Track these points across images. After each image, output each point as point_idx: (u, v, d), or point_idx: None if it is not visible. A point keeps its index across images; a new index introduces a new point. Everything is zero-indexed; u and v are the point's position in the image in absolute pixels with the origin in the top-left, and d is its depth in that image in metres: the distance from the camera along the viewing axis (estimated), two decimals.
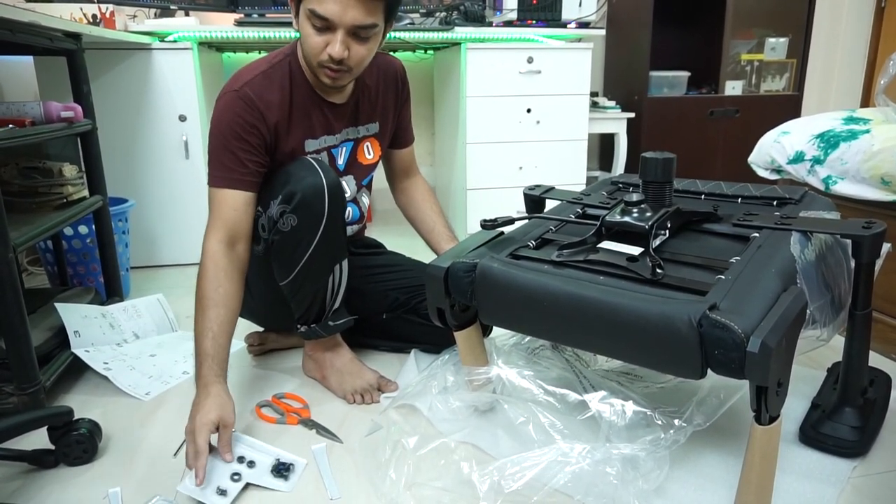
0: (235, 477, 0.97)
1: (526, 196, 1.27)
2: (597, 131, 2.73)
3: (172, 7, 2.14)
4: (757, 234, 0.98)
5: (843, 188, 1.43)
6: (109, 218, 1.65)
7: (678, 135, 2.83)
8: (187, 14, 2.23)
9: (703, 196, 1.21)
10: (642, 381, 1.17)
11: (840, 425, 1.03)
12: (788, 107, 2.91)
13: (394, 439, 1.03)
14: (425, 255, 1.34)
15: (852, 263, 0.99)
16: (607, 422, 0.94)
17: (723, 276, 0.86)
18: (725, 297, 0.81)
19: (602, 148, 3.14)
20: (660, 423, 0.92)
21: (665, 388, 1.15)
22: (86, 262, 1.77)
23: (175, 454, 1.08)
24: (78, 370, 1.35)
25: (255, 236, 1.17)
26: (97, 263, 1.71)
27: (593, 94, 2.77)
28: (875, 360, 1.30)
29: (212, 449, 0.97)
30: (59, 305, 1.37)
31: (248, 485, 0.97)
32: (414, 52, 2.75)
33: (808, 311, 0.86)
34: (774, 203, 1.14)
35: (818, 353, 1.15)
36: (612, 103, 2.79)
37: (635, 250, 0.95)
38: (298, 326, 1.25)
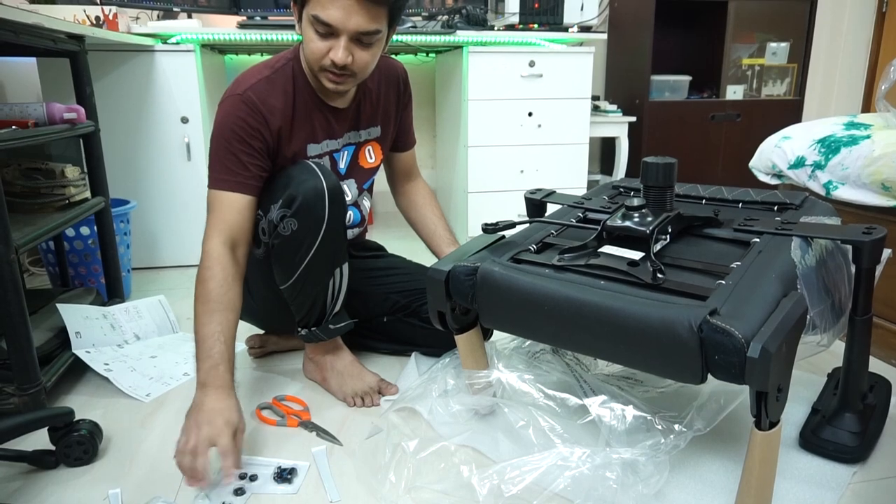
0: (239, 491, 0.97)
1: (527, 200, 1.28)
2: (598, 135, 2.74)
3: (175, 9, 2.15)
4: (757, 240, 0.99)
5: (844, 193, 1.43)
6: (111, 219, 1.66)
7: (679, 139, 2.83)
8: (190, 16, 2.24)
9: (703, 201, 1.21)
10: (642, 386, 1.17)
11: (840, 431, 1.03)
12: (789, 111, 2.91)
13: (394, 442, 1.03)
14: (426, 259, 1.34)
15: (853, 269, 0.99)
16: (607, 426, 0.94)
17: (723, 281, 0.86)
18: (726, 302, 0.81)
19: (603, 152, 3.15)
20: (660, 427, 0.92)
21: (665, 393, 1.15)
22: (87, 263, 1.78)
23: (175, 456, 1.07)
24: (79, 371, 1.36)
25: (255, 240, 1.17)
26: (98, 264, 1.71)
27: (595, 98, 2.78)
28: (875, 365, 1.30)
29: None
30: (60, 306, 1.38)
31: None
32: (416, 55, 2.76)
33: (808, 316, 0.86)
34: (775, 208, 1.14)
35: (818, 358, 1.16)
36: (614, 107, 2.80)
37: (636, 255, 0.95)
38: (299, 329, 1.25)
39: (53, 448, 1.04)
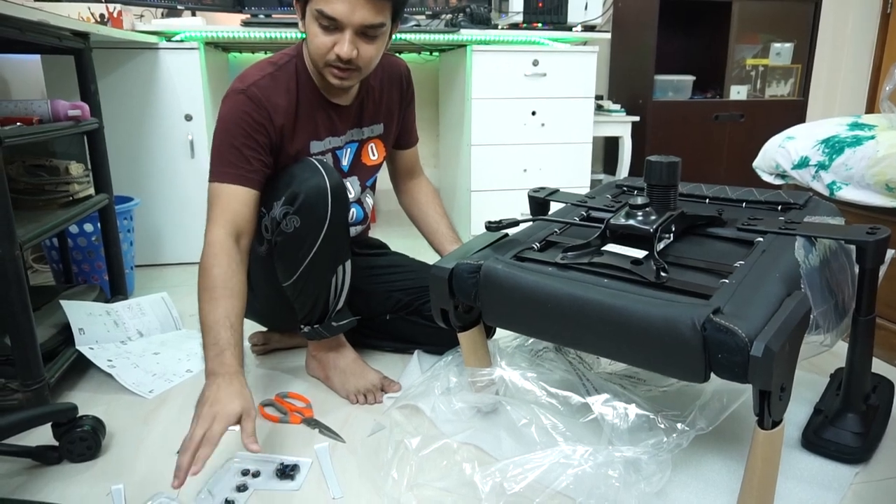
0: (242, 488, 0.97)
1: (530, 198, 1.28)
2: (601, 134, 2.74)
3: (179, 7, 2.15)
4: (761, 239, 0.99)
5: (848, 194, 1.43)
6: (115, 216, 1.66)
7: (683, 139, 2.83)
8: (194, 14, 2.24)
9: (707, 200, 1.21)
10: (645, 385, 1.17)
11: (842, 431, 1.03)
12: (793, 112, 2.90)
13: (396, 440, 1.03)
14: (429, 257, 1.34)
15: (856, 269, 0.99)
16: (610, 425, 0.94)
17: (727, 280, 0.86)
18: (729, 301, 0.81)
19: (606, 151, 3.15)
20: (662, 426, 0.92)
21: (668, 392, 1.15)
22: (91, 260, 1.78)
23: (178, 452, 1.08)
24: (82, 367, 1.36)
25: (258, 237, 1.17)
26: (102, 261, 1.72)
27: (598, 98, 2.77)
28: (878, 366, 1.30)
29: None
30: (64, 303, 1.38)
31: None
32: (419, 53, 2.76)
33: (811, 316, 0.86)
34: (779, 208, 1.14)
35: (821, 358, 1.16)
36: (617, 107, 2.79)
37: (639, 253, 0.95)
38: (302, 327, 1.25)
39: (57, 444, 1.04)
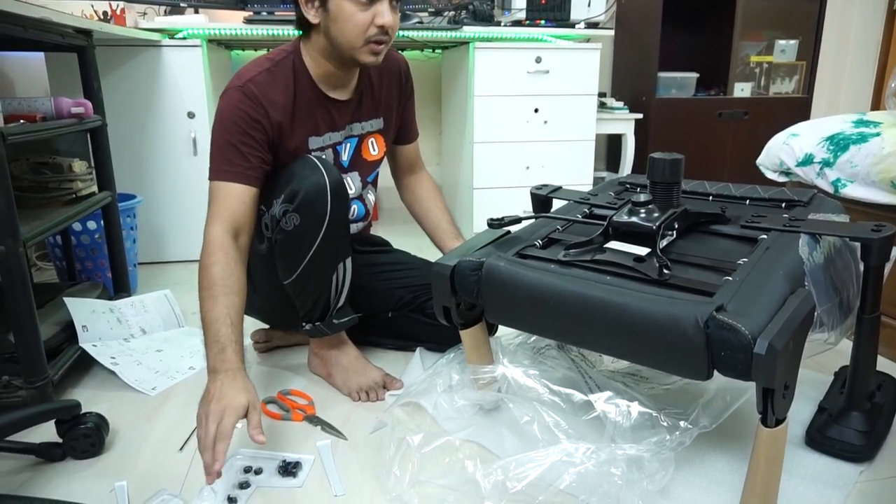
0: (244, 485, 0.97)
1: (533, 195, 1.27)
2: (604, 132, 2.73)
3: (182, 4, 2.15)
4: (765, 236, 0.98)
5: (853, 191, 1.42)
6: (118, 214, 1.66)
7: (686, 136, 2.82)
8: (197, 11, 2.23)
9: (710, 197, 1.20)
10: (648, 383, 1.16)
11: (847, 429, 1.02)
12: (798, 109, 2.89)
13: (398, 437, 1.03)
14: (431, 254, 1.34)
15: (861, 267, 0.98)
16: (612, 422, 0.94)
17: (730, 278, 0.86)
18: (733, 298, 0.80)
19: (609, 149, 3.14)
20: (665, 424, 0.92)
21: (671, 390, 1.14)
22: (94, 258, 1.78)
23: (181, 448, 1.08)
24: (86, 364, 1.36)
25: (259, 234, 1.17)
26: (105, 259, 1.72)
27: (601, 95, 2.76)
28: (883, 364, 1.29)
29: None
30: (68, 300, 1.38)
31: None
32: (422, 51, 2.76)
33: (815, 313, 0.85)
34: (783, 205, 1.14)
35: (825, 357, 1.15)
36: (620, 104, 2.78)
37: (642, 251, 0.95)
38: (303, 324, 1.25)
39: (60, 440, 1.04)
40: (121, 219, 1.69)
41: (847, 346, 1.04)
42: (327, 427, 1.13)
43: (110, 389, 1.29)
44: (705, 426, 0.91)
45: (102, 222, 1.66)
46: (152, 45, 2.00)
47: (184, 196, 2.12)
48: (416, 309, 1.38)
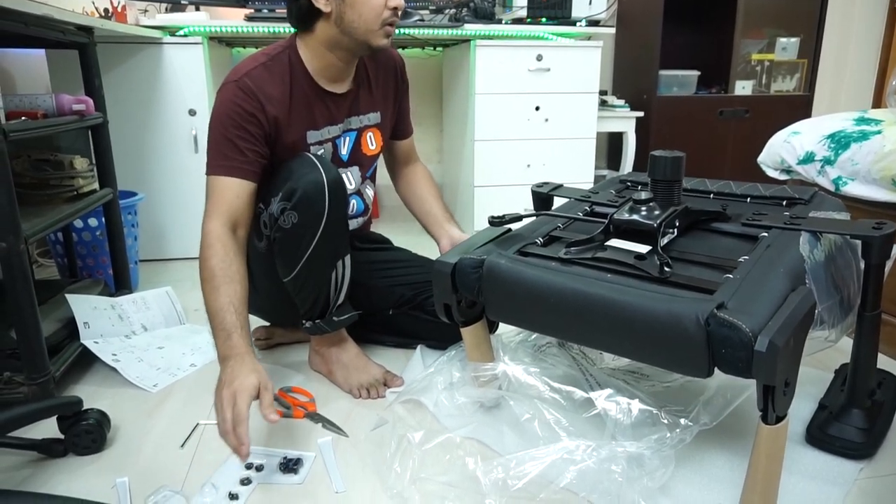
0: (245, 481, 0.97)
1: (534, 193, 1.27)
2: (605, 130, 2.72)
3: (183, 2, 2.15)
4: (766, 234, 0.98)
5: (854, 189, 1.42)
6: (119, 211, 1.66)
7: (687, 134, 2.81)
8: (198, 9, 2.23)
9: (711, 195, 1.21)
10: (648, 380, 1.16)
11: (847, 427, 1.02)
12: (799, 107, 2.89)
13: (399, 434, 1.03)
14: (432, 252, 1.34)
15: (862, 264, 0.98)
16: (613, 420, 0.94)
17: (731, 276, 0.86)
18: (733, 296, 0.81)
19: (610, 147, 3.13)
20: (666, 421, 0.92)
21: (671, 387, 1.15)
22: (95, 255, 1.79)
23: (182, 445, 1.08)
24: (87, 361, 1.37)
25: (258, 233, 1.17)
26: (106, 256, 1.72)
27: (602, 93, 2.76)
28: (883, 362, 1.30)
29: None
30: (69, 296, 1.38)
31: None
32: (423, 48, 2.75)
33: (816, 311, 0.85)
34: (784, 203, 1.14)
35: (826, 354, 1.15)
36: (622, 102, 2.78)
37: (643, 248, 0.95)
38: (303, 322, 1.25)
39: (62, 437, 1.05)
40: (122, 216, 1.69)
41: (847, 343, 1.04)
42: (328, 424, 1.13)
43: (112, 386, 1.29)
44: (706, 423, 0.91)
45: (104, 219, 1.66)
46: (153, 43, 2.00)
47: (185, 193, 2.12)
48: (417, 306, 1.38)
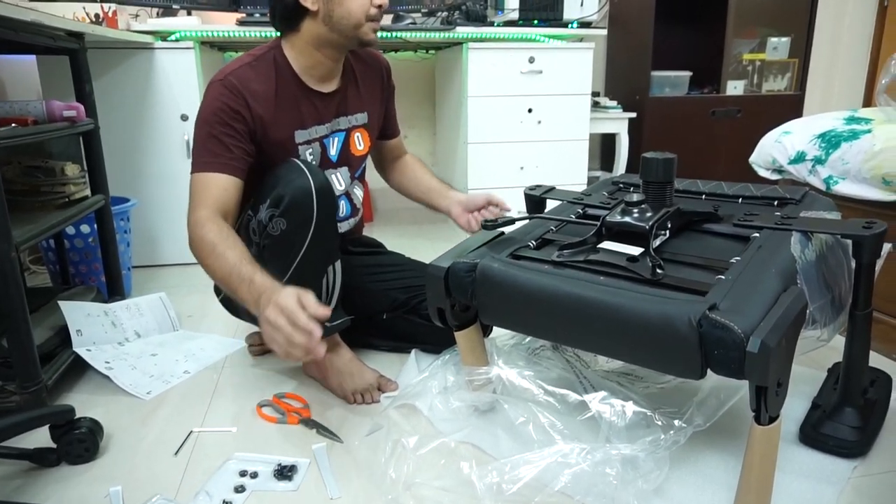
0: (240, 489, 0.97)
1: (527, 196, 1.28)
2: (598, 131, 2.73)
3: (175, 6, 2.15)
4: (757, 235, 0.98)
5: (845, 188, 1.43)
6: (111, 217, 1.66)
7: (680, 134, 2.82)
8: (189, 13, 2.23)
9: (703, 196, 1.21)
10: (642, 382, 1.17)
11: (840, 425, 1.03)
12: (790, 106, 2.90)
13: (394, 439, 1.03)
14: (426, 255, 1.34)
15: (853, 263, 0.99)
16: (607, 422, 0.94)
17: (723, 277, 0.86)
18: (725, 297, 0.81)
19: (603, 148, 3.14)
20: (660, 423, 0.92)
21: (665, 389, 1.15)
22: (88, 262, 1.78)
23: (176, 453, 1.08)
24: (80, 369, 1.36)
25: (247, 240, 1.17)
26: (99, 262, 1.71)
27: (595, 94, 2.77)
28: (876, 360, 1.30)
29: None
30: (62, 303, 1.38)
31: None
32: (416, 51, 2.76)
33: (808, 311, 0.86)
34: (775, 203, 1.14)
35: (818, 353, 1.15)
36: (614, 103, 2.79)
37: (636, 250, 0.95)
38: None
39: (55, 446, 1.04)
40: (115, 222, 1.68)
41: (840, 342, 1.04)
42: (323, 430, 1.13)
43: (105, 394, 1.28)
44: (699, 425, 0.91)
45: (96, 226, 1.65)
46: (145, 48, 1.99)
47: (178, 198, 2.11)
48: (411, 310, 1.38)
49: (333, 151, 1.30)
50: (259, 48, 1.22)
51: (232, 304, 1.32)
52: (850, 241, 0.98)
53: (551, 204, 1.27)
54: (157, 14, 2.23)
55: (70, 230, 1.73)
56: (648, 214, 0.98)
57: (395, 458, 0.99)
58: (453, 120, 2.52)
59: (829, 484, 0.95)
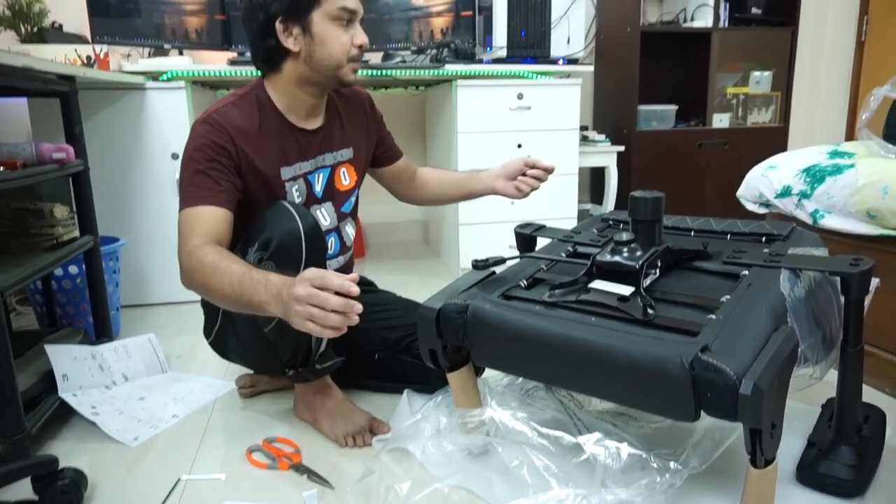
0: None
1: (517, 234, 1.28)
2: (587, 165, 2.76)
3: (166, 46, 2.17)
4: (746, 272, 0.99)
5: (831, 222, 1.44)
6: (100, 258, 1.64)
7: (667, 167, 2.86)
8: (181, 53, 2.26)
9: (692, 233, 1.22)
10: (636, 422, 1.15)
11: (836, 464, 1.02)
12: (775, 138, 2.95)
13: (386, 485, 1.01)
14: (417, 294, 1.34)
15: (842, 299, 0.99)
16: (602, 465, 0.93)
17: (714, 316, 0.86)
18: (717, 337, 0.81)
19: (593, 181, 3.17)
20: (655, 465, 0.91)
21: (660, 429, 1.14)
22: (75, 303, 1.76)
23: (163, 502, 1.05)
24: (65, 414, 1.33)
25: None
26: (87, 303, 1.69)
27: (583, 128, 2.81)
28: (868, 394, 1.30)
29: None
30: (48, 347, 1.36)
31: None
32: (406, 88, 2.79)
33: (799, 349, 0.86)
34: (763, 239, 1.15)
35: (812, 388, 1.15)
36: (602, 137, 2.83)
37: (626, 290, 0.95)
38: (286, 370, 1.23)
39: (37, 498, 1.01)
40: (103, 263, 1.67)
41: (833, 376, 1.04)
42: (314, 476, 1.11)
43: (90, 441, 1.25)
44: (695, 467, 0.90)
45: (84, 267, 1.64)
46: (136, 88, 2.01)
47: (168, 237, 2.10)
48: (403, 350, 1.37)
49: (318, 188, 1.31)
50: (242, 88, 1.24)
51: (222, 346, 1.31)
52: (838, 278, 0.99)
53: (542, 241, 1.27)
54: (149, 54, 2.25)
55: (58, 271, 1.72)
56: (638, 253, 0.98)
57: None
58: (444, 155, 2.54)
59: None
